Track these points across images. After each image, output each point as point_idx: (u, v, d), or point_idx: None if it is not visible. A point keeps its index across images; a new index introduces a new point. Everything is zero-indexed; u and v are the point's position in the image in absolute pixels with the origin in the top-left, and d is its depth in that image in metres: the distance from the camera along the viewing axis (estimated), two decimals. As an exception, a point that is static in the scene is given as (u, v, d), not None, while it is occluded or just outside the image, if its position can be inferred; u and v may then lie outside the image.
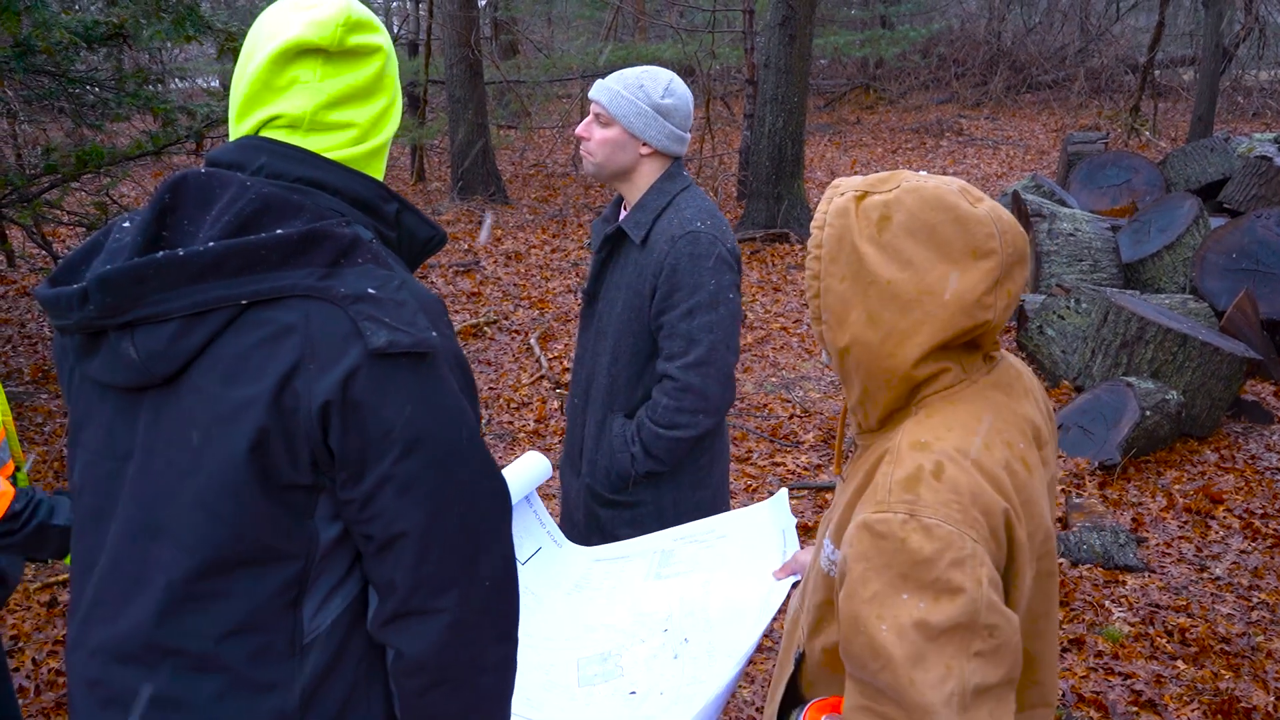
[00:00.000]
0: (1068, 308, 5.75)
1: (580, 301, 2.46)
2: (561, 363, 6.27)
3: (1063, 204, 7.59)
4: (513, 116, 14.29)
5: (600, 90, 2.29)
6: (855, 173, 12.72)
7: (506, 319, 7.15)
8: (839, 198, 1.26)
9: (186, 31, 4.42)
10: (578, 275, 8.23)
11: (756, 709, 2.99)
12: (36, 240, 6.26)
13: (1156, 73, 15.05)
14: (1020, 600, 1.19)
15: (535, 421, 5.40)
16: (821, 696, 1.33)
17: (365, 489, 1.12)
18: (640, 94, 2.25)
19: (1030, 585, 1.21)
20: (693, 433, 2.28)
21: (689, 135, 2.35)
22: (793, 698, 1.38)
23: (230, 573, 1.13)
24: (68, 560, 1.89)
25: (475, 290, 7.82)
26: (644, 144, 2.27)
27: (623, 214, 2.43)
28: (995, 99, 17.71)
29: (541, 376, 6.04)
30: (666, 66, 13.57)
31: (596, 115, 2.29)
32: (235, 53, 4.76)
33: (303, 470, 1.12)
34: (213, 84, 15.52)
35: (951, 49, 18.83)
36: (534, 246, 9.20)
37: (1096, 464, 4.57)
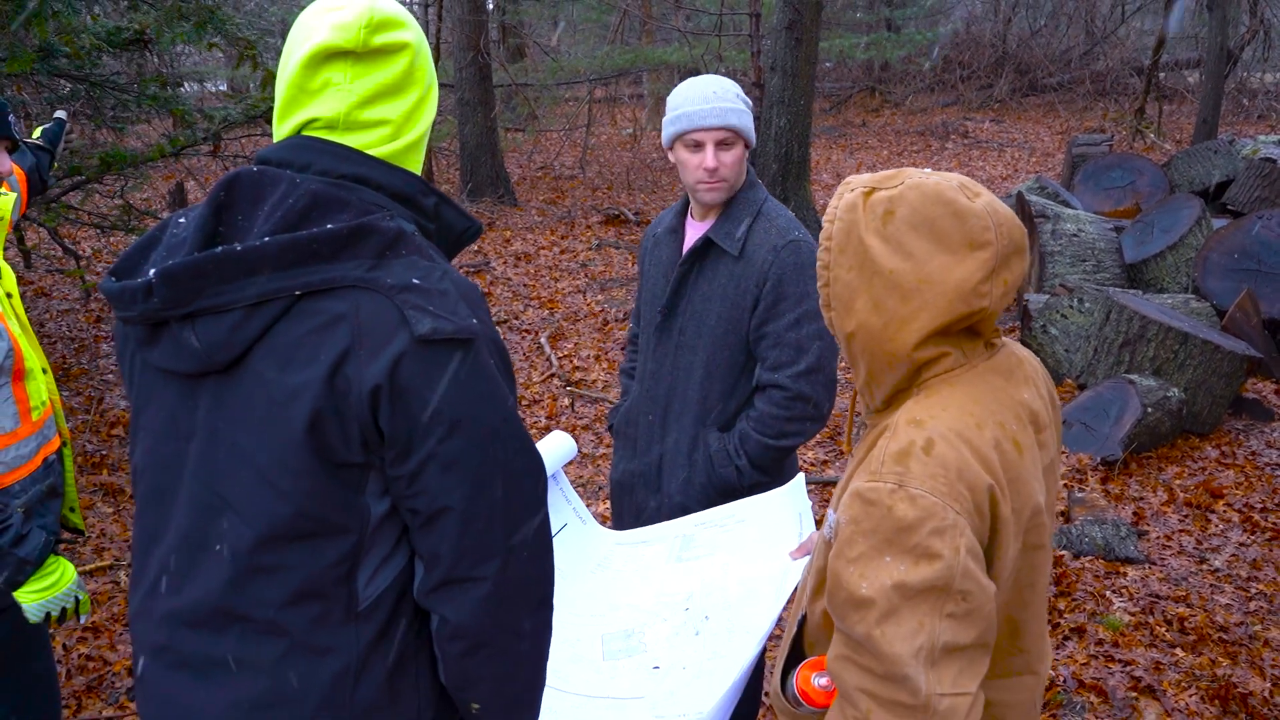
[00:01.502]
0: (1071, 307, 5.83)
1: (660, 313, 2.39)
2: (571, 361, 6.37)
3: (1067, 205, 7.67)
4: (520, 119, 14.40)
5: (726, 113, 2.20)
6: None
7: (517, 318, 7.25)
8: (849, 193, 1.34)
9: (208, 36, 4.52)
10: (586, 275, 8.32)
11: (764, 693, 3.07)
12: (57, 241, 6.36)
13: (1161, 75, 15.10)
14: (1004, 571, 1.27)
15: (547, 418, 5.50)
16: (818, 655, 1.42)
17: (412, 467, 1.20)
18: (744, 100, 2.23)
19: (1016, 558, 1.29)
20: (801, 441, 2.26)
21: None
22: (797, 657, 1.47)
23: (290, 545, 1.21)
24: (20, 593, 1.98)
25: (485, 290, 7.92)
26: (747, 145, 2.27)
27: (691, 223, 2.38)
28: (1000, 102, 17.78)
29: (552, 375, 6.13)
30: (673, 70, 13.50)
31: (722, 141, 2.22)
32: (251, 60, 4.86)
33: (354, 449, 1.19)
34: (220, 87, 15.64)
35: (957, 52, 18.90)
36: (543, 247, 9.30)
37: (1099, 459, 4.65)
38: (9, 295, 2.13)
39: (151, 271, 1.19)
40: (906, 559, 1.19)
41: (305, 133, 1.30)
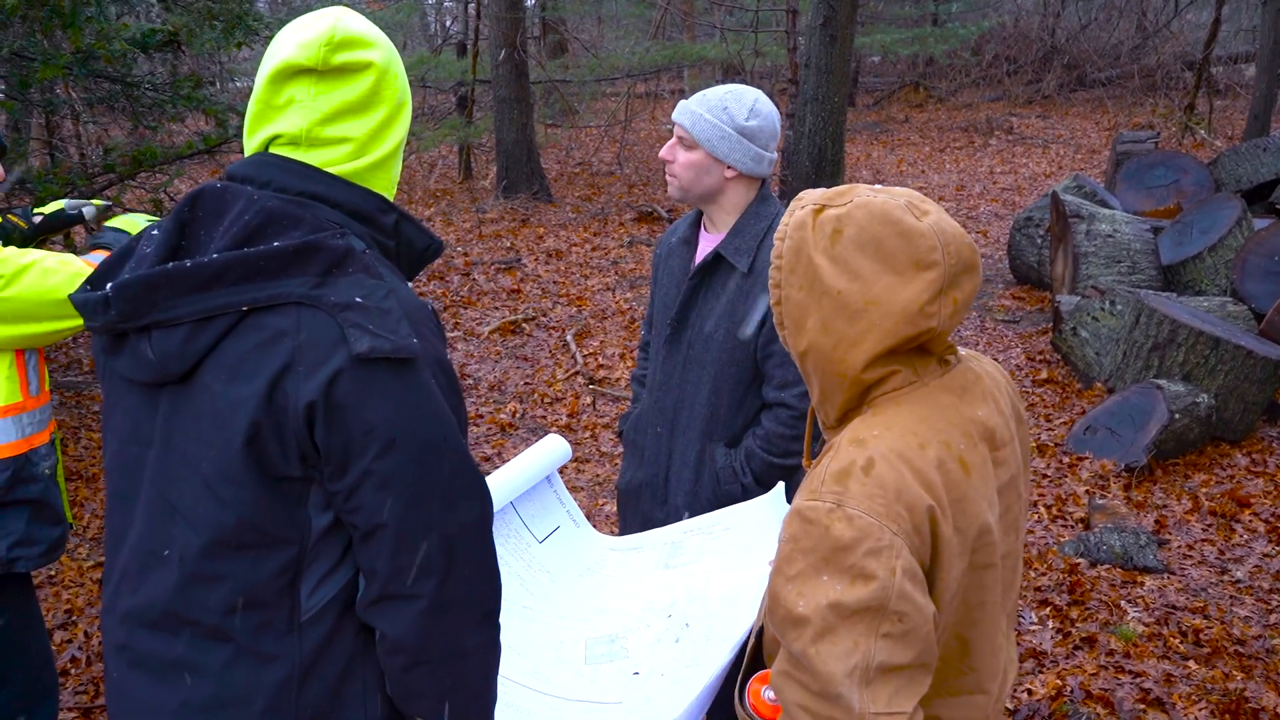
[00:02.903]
0: (1102, 309, 5.73)
1: (669, 325, 2.39)
2: (596, 359, 6.40)
3: (1104, 205, 7.52)
4: (559, 115, 14.46)
5: (683, 113, 2.23)
6: (901, 172, 12.67)
7: (545, 315, 7.29)
8: (799, 211, 1.34)
9: (236, 38, 4.62)
10: (616, 273, 8.34)
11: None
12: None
13: (1214, 70, 14.72)
14: (947, 591, 1.27)
15: (568, 416, 5.53)
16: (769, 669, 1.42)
17: (348, 482, 1.22)
18: (724, 116, 2.20)
19: (962, 577, 1.28)
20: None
21: (775, 155, 2.28)
22: (758, 669, 1.48)
23: (233, 553, 1.24)
24: None
25: (515, 287, 7.97)
26: (728, 167, 2.23)
27: (704, 234, 2.38)
28: (1047, 97, 17.46)
29: (576, 372, 6.16)
30: (712, 65, 13.41)
31: (680, 138, 2.24)
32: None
33: (293, 463, 1.22)
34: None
35: (1004, 46, 18.59)
36: (575, 244, 9.33)
37: (1122, 466, 4.57)
38: None
39: (108, 285, 1.23)
40: (842, 579, 1.19)
41: (271, 149, 1.33)
